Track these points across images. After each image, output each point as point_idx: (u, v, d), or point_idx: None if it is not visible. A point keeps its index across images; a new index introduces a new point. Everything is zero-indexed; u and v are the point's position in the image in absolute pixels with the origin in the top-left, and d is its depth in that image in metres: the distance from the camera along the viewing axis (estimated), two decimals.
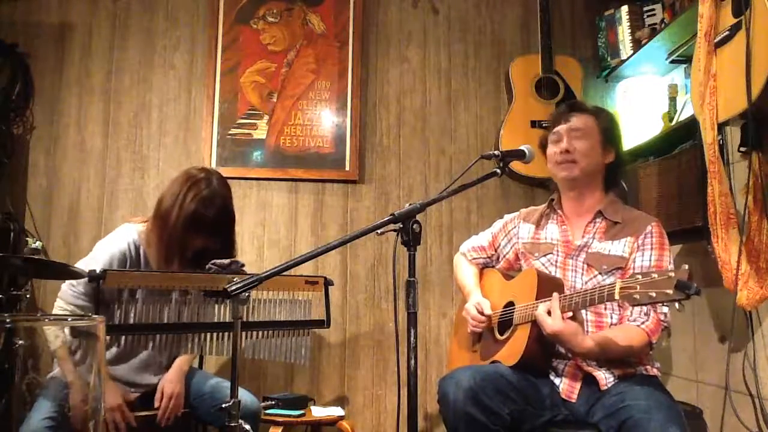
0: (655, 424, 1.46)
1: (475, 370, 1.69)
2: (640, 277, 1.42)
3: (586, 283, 1.80)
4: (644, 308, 1.70)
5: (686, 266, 1.34)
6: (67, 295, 1.95)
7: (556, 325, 1.60)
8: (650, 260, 1.75)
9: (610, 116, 1.99)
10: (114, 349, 2.00)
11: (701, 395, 2.27)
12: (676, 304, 1.51)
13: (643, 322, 1.70)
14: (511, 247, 2.07)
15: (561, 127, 1.91)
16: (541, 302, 1.69)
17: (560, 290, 1.78)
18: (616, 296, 1.47)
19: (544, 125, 2.89)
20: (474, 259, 2.17)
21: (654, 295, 1.37)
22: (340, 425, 2.53)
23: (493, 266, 2.15)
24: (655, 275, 1.38)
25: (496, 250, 2.12)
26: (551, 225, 1.96)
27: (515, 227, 2.07)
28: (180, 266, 1.95)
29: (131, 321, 1.63)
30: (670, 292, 1.33)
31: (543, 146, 1.98)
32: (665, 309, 1.72)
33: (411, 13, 3.14)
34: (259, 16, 3.05)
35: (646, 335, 1.69)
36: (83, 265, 1.93)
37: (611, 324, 1.77)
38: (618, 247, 1.80)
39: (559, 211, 1.96)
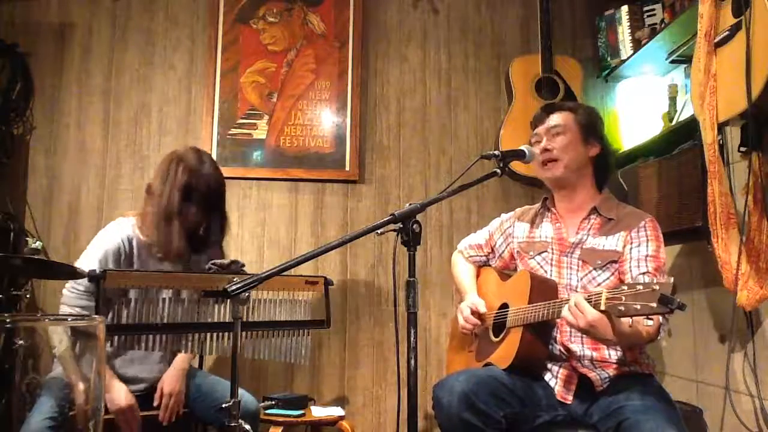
0: (653, 425, 1.46)
1: (468, 374, 1.68)
2: (625, 288, 1.41)
3: (581, 279, 1.81)
4: None
5: (671, 279, 1.34)
6: (69, 298, 1.95)
7: (591, 314, 1.50)
8: (647, 250, 1.75)
9: (588, 110, 2.00)
10: (108, 346, 2.00)
11: (701, 395, 2.27)
12: (660, 318, 1.50)
13: None
14: (507, 247, 2.08)
15: (540, 129, 1.95)
16: (547, 304, 1.68)
17: (554, 292, 1.77)
18: (603, 306, 1.46)
19: None
20: (471, 257, 2.17)
21: (639, 307, 1.36)
22: (340, 425, 2.53)
23: (490, 265, 2.15)
24: (640, 287, 1.38)
25: (492, 249, 2.13)
26: (546, 223, 1.97)
27: (510, 226, 2.08)
28: (182, 239, 1.98)
29: (131, 320, 1.63)
30: (654, 305, 1.33)
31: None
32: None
33: (411, 13, 3.14)
34: (259, 16, 3.05)
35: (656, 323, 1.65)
36: (80, 263, 1.94)
37: None
38: (612, 242, 1.80)
39: (552, 209, 1.97)
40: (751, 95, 1.71)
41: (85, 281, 1.92)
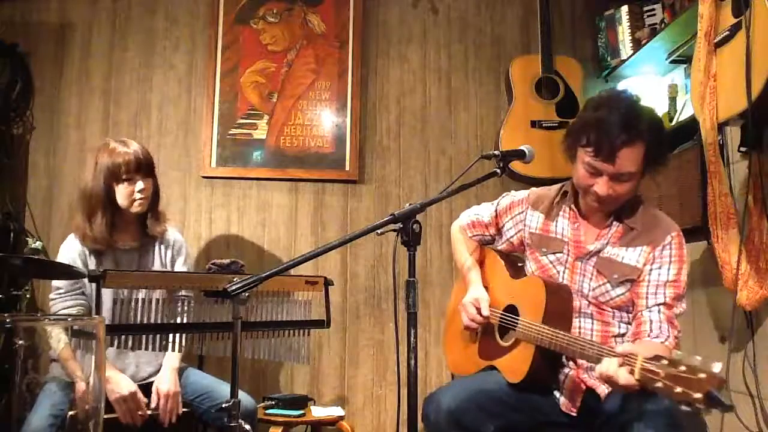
0: (656, 431, 1.45)
1: (457, 389, 1.66)
2: (666, 361, 1.25)
3: (593, 289, 1.72)
4: (662, 324, 1.60)
5: (720, 366, 1.15)
6: (56, 303, 2.02)
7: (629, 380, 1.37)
8: (668, 275, 1.64)
9: (660, 135, 1.67)
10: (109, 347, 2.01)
11: None
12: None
13: (666, 339, 1.60)
14: (517, 233, 1.92)
15: (605, 167, 1.61)
16: (568, 339, 1.56)
17: (568, 307, 1.68)
18: (636, 375, 1.30)
19: (544, 125, 2.89)
20: (475, 236, 2.02)
21: (679, 391, 1.18)
22: (340, 425, 2.53)
23: (493, 244, 2.02)
24: (683, 367, 1.19)
25: (498, 230, 1.98)
26: (562, 219, 1.81)
27: (523, 212, 1.91)
28: (107, 224, 2.01)
29: (131, 321, 1.63)
30: (698, 396, 1.14)
31: (571, 149, 1.73)
32: (678, 326, 1.64)
33: (411, 13, 3.14)
34: (259, 16, 3.05)
35: (669, 352, 1.61)
36: (56, 299, 2.03)
37: (617, 334, 1.70)
38: (632, 256, 1.69)
39: (572, 205, 1.81)
40: (751, 95, 1.71)
41: (62, 282, 2.00)
